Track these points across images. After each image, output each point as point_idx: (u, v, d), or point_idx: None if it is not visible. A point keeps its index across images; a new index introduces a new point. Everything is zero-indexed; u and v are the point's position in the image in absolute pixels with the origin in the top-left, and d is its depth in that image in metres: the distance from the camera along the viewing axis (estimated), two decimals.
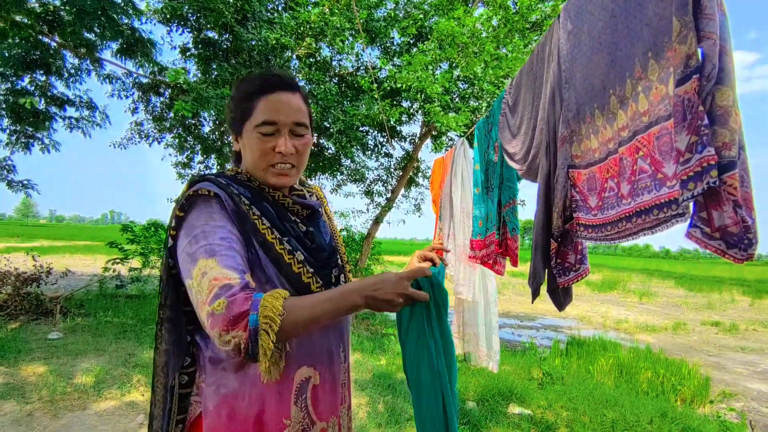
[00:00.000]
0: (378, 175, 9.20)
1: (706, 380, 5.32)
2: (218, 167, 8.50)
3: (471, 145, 3.09)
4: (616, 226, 1.13)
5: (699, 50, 0.79)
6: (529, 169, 1.64)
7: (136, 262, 8.86)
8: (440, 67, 6.55)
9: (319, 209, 1.14)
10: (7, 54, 6.01)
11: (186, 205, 0.93)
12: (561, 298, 1.47)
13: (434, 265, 1.17)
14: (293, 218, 1.06)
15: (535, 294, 1.49)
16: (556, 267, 1.41)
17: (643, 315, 11.86)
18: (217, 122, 7.69)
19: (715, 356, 7.51)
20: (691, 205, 0.83)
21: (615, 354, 6.17)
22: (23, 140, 6.82)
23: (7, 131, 6.68)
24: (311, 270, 1.01)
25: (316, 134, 7.63)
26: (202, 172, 8.79)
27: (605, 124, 1.17)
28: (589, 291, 17.02)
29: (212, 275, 0.83)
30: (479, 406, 3.89)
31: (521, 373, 4.98)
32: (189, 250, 0.88)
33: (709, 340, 8.90)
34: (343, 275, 1.12)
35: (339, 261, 1.12)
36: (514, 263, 2.21)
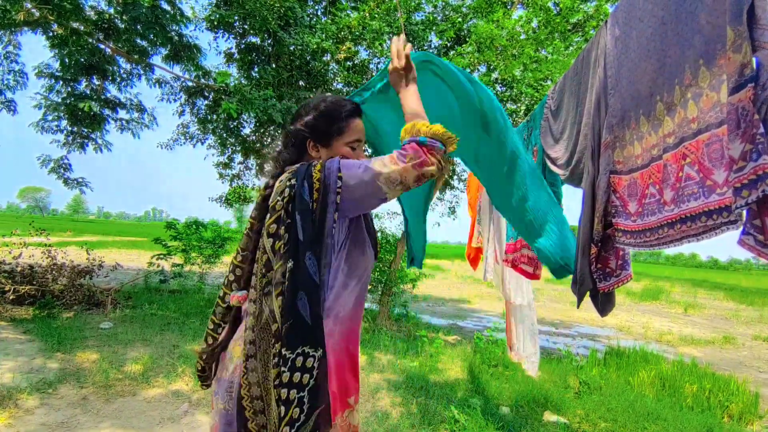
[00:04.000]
0: None
1: (755, 397, 5.06)
2: (257, 167, 8.79)
3: None
4: (657, 233, 1.12)
5: (754, 59, 0.79)
6: (572, 174, 1.64)
7: (178, 259, 9.25)
8: (478, 70, 6.52)
9: None
10: (67, 60, 6.43)
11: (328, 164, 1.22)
12: (602, 303, 1.47)
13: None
14: None
15: (581, 299, 1.49)
16: (596, 272, 1.41)
17: (689, 327, 11.34)
18: (258, 124, 7.92)
19: (767, 373, 7.11)
20: (744, 212, 0.82)
21: (657, 366, 5.94)
22: (78, 141, 7.25)
23: (65, 132, 7.13)
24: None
25: None
26: (243, 172, 9.08)
27: (650, 131, 1.17)
28: (629, 300, 16.42)
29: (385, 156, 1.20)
30: (513, 411, 3.86)
31: (557, 381, 4.88)
32: (358, 163, 1.21)
33: (760, 356, 8.43)
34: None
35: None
36: None
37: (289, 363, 1.07)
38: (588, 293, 1.45)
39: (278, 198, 1.18)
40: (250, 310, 1.18)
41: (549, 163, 1.98)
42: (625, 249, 1.33)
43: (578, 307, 1.53)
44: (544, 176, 2.27)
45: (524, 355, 3.59)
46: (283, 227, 1.16)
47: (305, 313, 1.09)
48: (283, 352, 1.08)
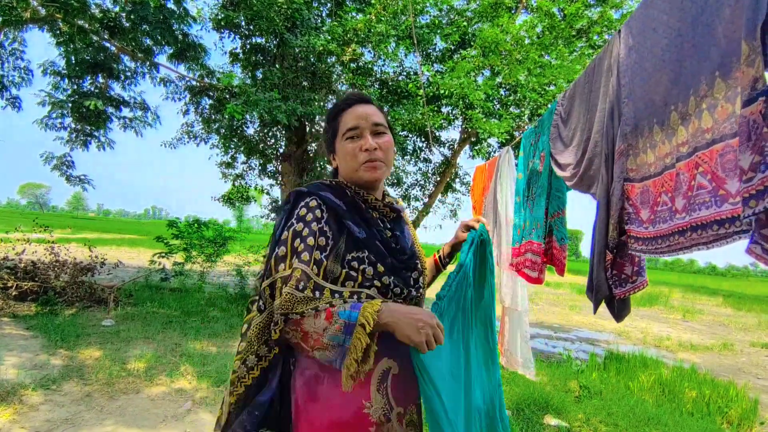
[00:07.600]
0: (416, 179, 9.26)
1: (754, 403, 5.08)
2: (260, 167, 8.82)
3: (515, 154, 3.10)
4: (668, 240, 1.14)
5: (766, 74, 0.81)
6: (581, 180, 1.66)
7: (179, 257, 9.26)
8: (482, 74, 6.56)
9: (402, 214, 1.28)
10: (73, 58, 6.46)
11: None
12: (618, 309, 1.49)
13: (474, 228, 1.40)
14: (380, 222, 1.20)
15: (597, 305, 1.51)
16: (612, 278, 1.43)
17: (687, 333, 11.36)
18: (262, 124, 7.95)
19: (765, 380, 7.13)
20: (753, 221, 0.85)
21: (657, 371, 5.96)
22: (82, 138, 7.27)
23: (68, 129, 7.15)
24: (392, 278, 1.13)
25: None
26: (246, 172, 9.05)
27: (663, 139, 1.19)
28: None
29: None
30: (515, 415, 3.87)
31: (557, 385, 4.90)
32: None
33: (758, 363, 8.45)
34: (422, 278, 1.23)
35: (419, 265, 1.23)
36: (561, 273, 2.21)
37: None
38: (603, 300, 1.47)
39: None
40: None
41: (556, 168, 2.01)
42: (640, 256, 1.36)
43: (594, 312, 1.54)
44: (550, 182, 2.28)
45: (520, 360, 3.59)
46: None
47: None
48: None
